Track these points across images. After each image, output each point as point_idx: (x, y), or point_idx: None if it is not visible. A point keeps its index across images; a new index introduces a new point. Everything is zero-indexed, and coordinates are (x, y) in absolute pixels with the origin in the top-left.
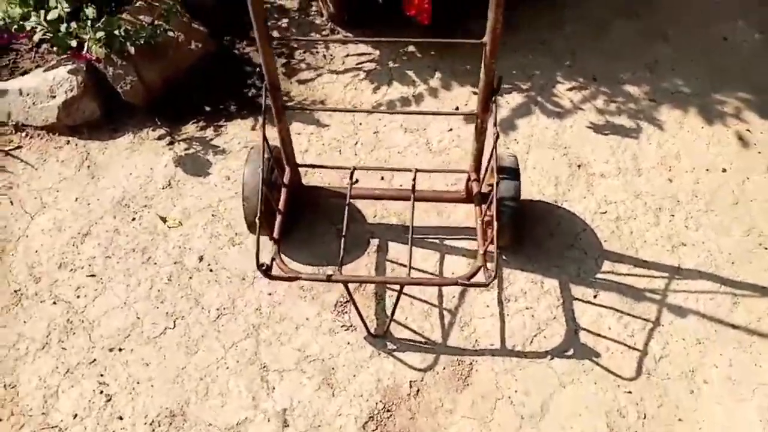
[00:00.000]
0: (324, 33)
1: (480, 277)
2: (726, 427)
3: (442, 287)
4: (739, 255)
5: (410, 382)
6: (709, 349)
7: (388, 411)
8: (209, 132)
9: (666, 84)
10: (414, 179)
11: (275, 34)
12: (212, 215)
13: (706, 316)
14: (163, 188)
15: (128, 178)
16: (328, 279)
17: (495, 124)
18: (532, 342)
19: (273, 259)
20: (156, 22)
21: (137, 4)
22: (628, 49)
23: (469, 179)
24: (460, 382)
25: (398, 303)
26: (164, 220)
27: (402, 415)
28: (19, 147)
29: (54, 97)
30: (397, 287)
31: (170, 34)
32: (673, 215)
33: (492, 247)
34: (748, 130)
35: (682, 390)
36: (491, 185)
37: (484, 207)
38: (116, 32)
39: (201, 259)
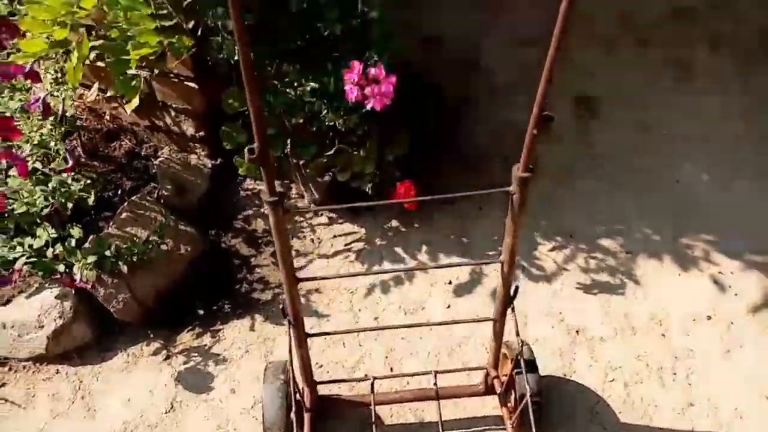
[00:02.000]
0: (308, 216)
1: None
2: None
3: None
4: (745, 407)
5: None
6: None
7: None
8: (206, 339)
9: (638, 234)
10: (435, 382)
11: (260, 223)
12: None
13: None
14: (165, 413)
15: (127, 406)
16: None
17: (518, 333)
18: None
19: None
20: (151, 238)
21: (123, 216)
22: (594, 204)
23: (487, 374)
24: None
25: None
26: None
27: None
28: (2, 384)
29: (42, 327)
30: None
31: (163, 247)
32: (675, 373)
33: None
34: (720, 272)
35: None
36: (505, 376)
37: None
38: (107, 252)
39: None
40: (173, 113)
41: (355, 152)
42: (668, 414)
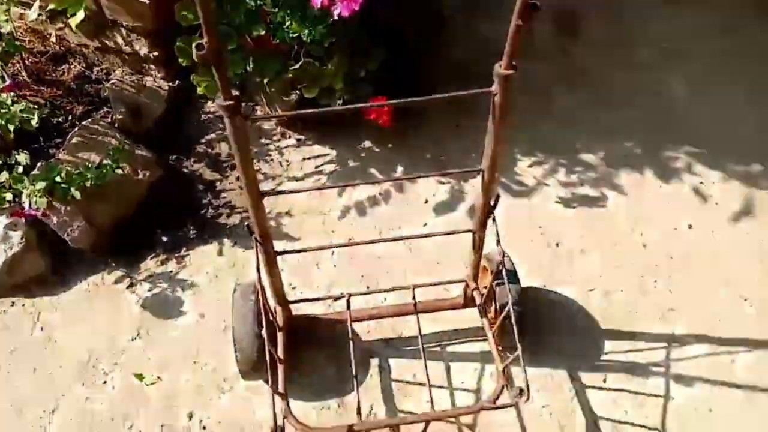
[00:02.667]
0: (275, 137)
1: (505, 397)
2: None
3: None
4: (723, 312)
5: None
6: (722, 415)
7: None
8: (172, 265)
9: (618, 148)
10: (414, 296)
11: (223, 147)
12: (194, 362)
13: (710, 381)
14: (132, 339)
15: (90, 335)
16: (350, 430)
17: (498, 243)
18: None
19: (284, 418)
20: (104, 162)
21: (74, 141)
22: (574, 118)
23: (467, 286)
24: None
25: None
26: (140, 377)
27: None
28: None
29: None
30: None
31: (119, 171)
32: (656, 281)
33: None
34: (701, 183)
35: None
36: (485, 288)
37: (488, 321)
38: (57, 178)
39: (190, 416)
40: (124, 32)
41: (323, 66)
42: (649, 320)
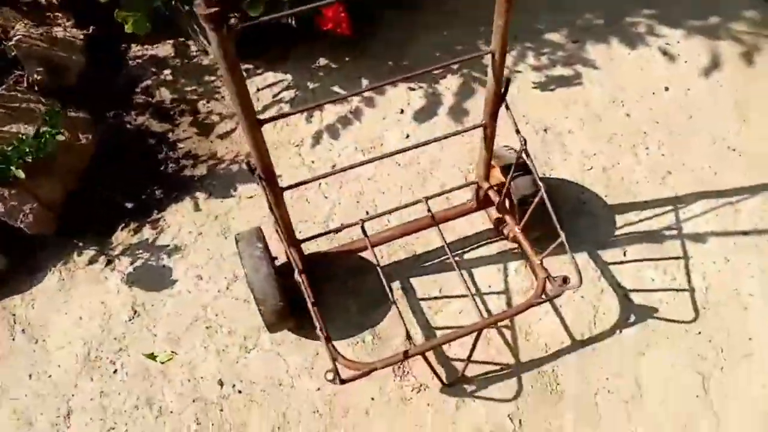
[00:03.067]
0: (219, 72)
1: (550, 290)
2: None
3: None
4: (716, 163)
5: (508, 416)
6: (738, 261)
7: None
8: (147, 232)
9: (579, 21)
10: (429, 208)
11: (165, 92)
12: (206, 328)
13: (720, 233)
14: (130, 320)
15: (80, 324)
16: (406, 356)
17: (518, 132)
18: (595, 324)
19: (334, 360)
20: (42, 129)
21: None
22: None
23: (479, 188)
24: (553, 395)
25: (476, 345)
26: (153, 357)
27: None
28: None
29: None
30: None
31: (60, 137)
32: (647, 148)
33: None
34: (667, 43)
35: (737, 311)
36: (498, 186)
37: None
38: None
39: (221, 383)
40: None
41: None
42: (650, 186)
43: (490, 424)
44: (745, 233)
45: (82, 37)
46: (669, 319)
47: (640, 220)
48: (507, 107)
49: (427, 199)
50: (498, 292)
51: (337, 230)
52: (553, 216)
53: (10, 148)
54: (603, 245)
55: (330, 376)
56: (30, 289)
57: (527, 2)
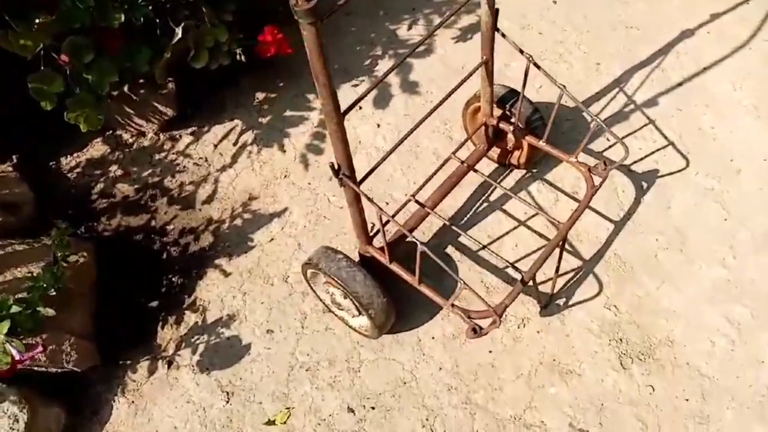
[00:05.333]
0: (166, 147)
1: (597, 179)
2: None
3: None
4: (625, 45)
5: (605, 307)
6: (687, 107)
7: (621, 340)
8: (189, 318)
9: None
10: (460, 158)
11: (123, 187)
12: (306, 370)
13: (662, 92)
14: (227, 402)
15: (180, 429)
16: (524, 283)
17: (522, 52)
18: (621, 202)
19: (470, 318)
20: (57, 254)
21: None
22: None
23: (486, 126)
24: (626, 272)
25: (561, 257)
26: (272, 422)
27: (631, 332)
28: None
29: None
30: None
31: (73, 257)
32: (570, 52)
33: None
34: None
35: (710, 142)
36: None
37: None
38: (14, 308)
39: (350, 410)
40: None
41: (201, 24)
42: (592, 79)
43: (595, 320)
44: (679, 84)
45: (11, 168)
46: (670, 173)
47: (603, 109)
48: (503, 35)
49: (455, 152)
50: (535, 215)
51: (401, 208)
52: (584, 108)
53: (26, 293)
54: (595, 137)
55: (473, 333)
56: (104, 428)
57: None
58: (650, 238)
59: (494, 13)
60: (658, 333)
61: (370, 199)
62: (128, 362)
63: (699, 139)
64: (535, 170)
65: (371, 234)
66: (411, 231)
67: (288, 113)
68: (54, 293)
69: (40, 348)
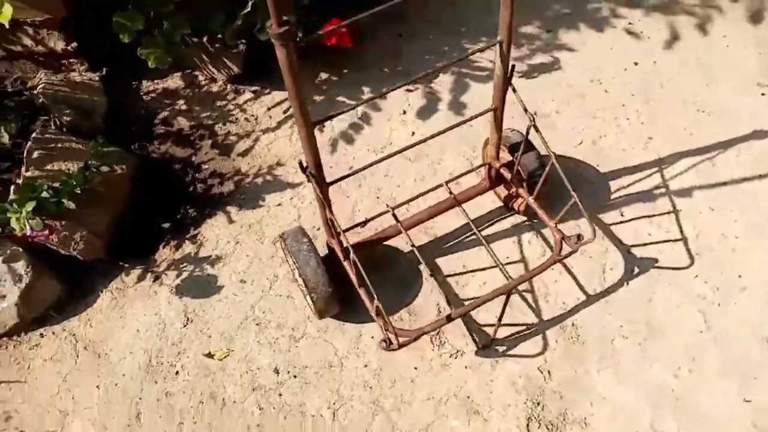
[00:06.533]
0: (229, 97)
1: (567, 249)
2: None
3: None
4: (690, 125)
5: (539, 369)
6: (721, 209)
7: (539, 404)
8: (188, 247)
9: (548, 12)
10: (450, 191)
11: (182, 120)
12: (256, 325)
13: (702, 186)
14: (184, 326)
15: (139, 336)
16: (449, 319)
17: (526, 110)
18: (605, 279)
19: (386, 332)
20: (90, 162)
21: (35, 155)
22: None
23: (490, 168)
24: (576, 346)
25: (506, 307)
26: (211, 355)
27: (552, 400)
28: None
29: (4, 297)
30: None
31: (105, 168)
32: (628, 118)
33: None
34: (629, 23)
35: (727, 252)
36: (506, 163)
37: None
38: (44, 194)
39: (277, 371)
40: (31, 30)
41: None
42: (636, 152)
43: (523, 377)
44: (724, 183)
45: (97, 78)
46: (669, 267)
47: (632, 183)
48: (514, 90)
49: (447, 182)
50: (516, 261)
51: (373, 218)
52: (565, 180)
53: (60, 183)
54: (602, 209)
55: (384, 344)
56: (86, 311)
57: (494, 4)
58: (615, 323)
59: (507, 67)
60: (577, 411)
61: (327, 205)
62: (126, 266)
63: (717, 244)
64: (535, 221)
65: (347, 227)
66: (380, 240)
67: (339, 98)
68: (79, 192)
69: (48, 232)
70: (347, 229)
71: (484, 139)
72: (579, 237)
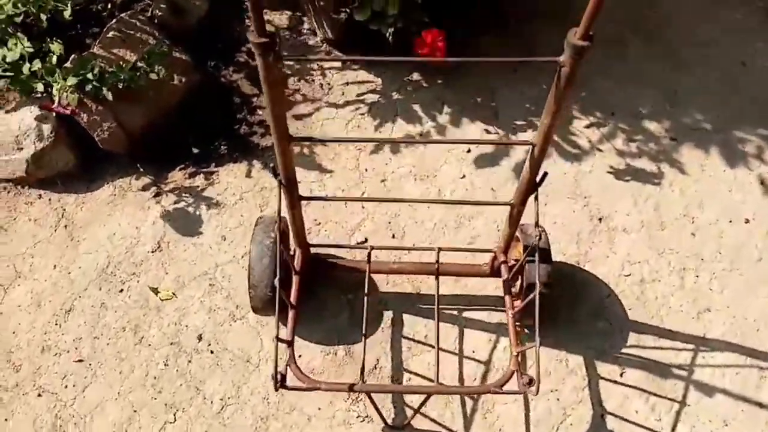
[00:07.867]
0: (321, 55)
1: (513, 384)
2: None
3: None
4: (765, 321)
5: None
6: (735, 429)
7: None
8: (199, 180)
9: (687, 119)
10: (438, 259)
11: None
12: (209, 285)
13: (733, 394)
14: (152, 252)
15: (112, 239)
16: (351, 389)
17: (537, 224)
18: (558, 430)
19: (287, 365)
20: (138, 64)
21: (110, 35)
22: (645, 77)
23: (495, 258)
24: None
25: (423, 406)
26: (156, 291)
27: None
28: None
29: (21, 149)
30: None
31: (153, 76)
32: (697, 276)
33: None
34: (766, 175)
35: None
36: (514, 261)
37: (511, 299)
38: (90, 75)
39: (200, 338)
40: None
41: None
42: (681, 316)
43: None
44: (761, 405)
45: None
46: None
47: (654, 348)
48: (536, 198)
49: (440, 250)
50: (478, 360)
51: (340, 246)
52: (537, 319)
53: (109, 71)
54: (604, 357)
55: (273, 379)
56: (85, 194)
57: (643, 76)
58: None
59: (536, 172)
60: None
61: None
62: (140, 170)
63: None
64: (527, 330)
65: (314, 239)
66: (347, 269)
67: (413, 105)
68: (121, 87)
69: (70, 111)
70: (320, 246)
71: (526, 221)
72: (530, 382)
